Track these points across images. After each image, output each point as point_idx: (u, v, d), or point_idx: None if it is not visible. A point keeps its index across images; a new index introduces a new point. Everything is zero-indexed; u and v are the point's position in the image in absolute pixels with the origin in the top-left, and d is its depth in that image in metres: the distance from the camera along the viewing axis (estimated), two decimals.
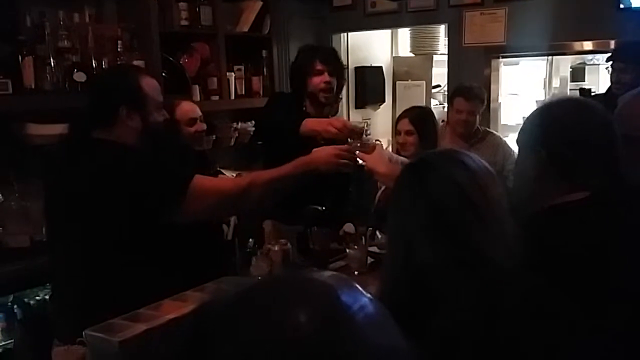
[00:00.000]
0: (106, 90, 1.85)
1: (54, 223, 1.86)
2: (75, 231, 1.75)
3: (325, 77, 2.42)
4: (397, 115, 4.91)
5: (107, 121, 1.77)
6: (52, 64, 2.57)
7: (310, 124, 2.25)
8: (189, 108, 2.40)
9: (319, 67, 2.42)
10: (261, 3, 3.57)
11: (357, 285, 0.59)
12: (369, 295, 0.58)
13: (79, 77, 2.62)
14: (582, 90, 3.58)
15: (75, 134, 1.82)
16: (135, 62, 2.84)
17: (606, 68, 3.05)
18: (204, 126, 2.51)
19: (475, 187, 1.10)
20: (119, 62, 2.80)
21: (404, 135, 2.68)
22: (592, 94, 4.01)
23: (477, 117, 3.18)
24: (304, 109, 2.49)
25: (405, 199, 1.16)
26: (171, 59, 3.12)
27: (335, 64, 2.48)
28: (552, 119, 1.34)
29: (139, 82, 1.79)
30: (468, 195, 1.09)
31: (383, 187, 2.79)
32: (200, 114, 2.46)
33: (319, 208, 2.32)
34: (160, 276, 1.80)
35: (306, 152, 1.96)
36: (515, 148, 1.49)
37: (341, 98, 3.39)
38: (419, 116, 2.72)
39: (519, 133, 1.42)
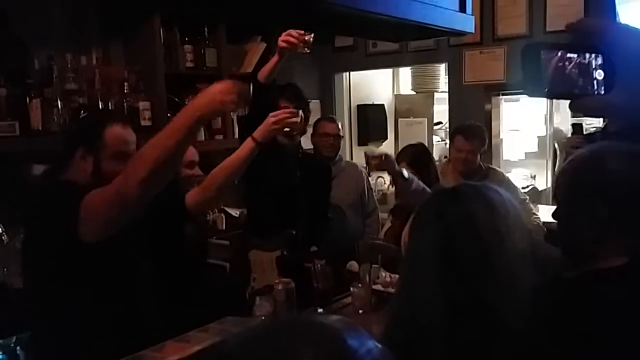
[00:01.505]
0: (70, 131, 2.04)
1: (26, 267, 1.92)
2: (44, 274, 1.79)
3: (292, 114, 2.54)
4: (398, 151, 4.98)
5: (65, 159, 1.85)
6: (60, 105, 2.61)
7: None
8: (190, 152, 2.38)
9: (283, 104, 2.54)
10: (264, 45, 3.64)
11: (363, 330, 0.59)
12: (374, 340, 0.58)
13: None
14: (574, 125, 3.57)
15: (44, 176, 1.95)
16: (141, 103, 2.90)
17: None
18: (199, 172, 2.50)
19: (493, 230, 1.01)
20: (124, 104, 2.85)
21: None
22: (592, 130, 4.02)
23: (478, 155, 3.21)
24: (276, 139, 2.59)
25: (422, 224, 1.10)
26: (177, 99, 3.17)
27: (299, 100, 2.64)
28: (613, 171, 1.15)
29: (102, 128, 1.83)
30: (482, 236, 1.01)
31: (389, 225, 2.79)
32: (197, 159, 2.45)
33: (292, 232, 2.41)
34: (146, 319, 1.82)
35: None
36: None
37: (342, 136, 3.47)
38: (414, 157, 2.75)
39: (564, 184, 1.24)
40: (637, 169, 1.15)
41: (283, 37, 2.29)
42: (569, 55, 0.57)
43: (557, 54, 0.57)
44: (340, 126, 3.49)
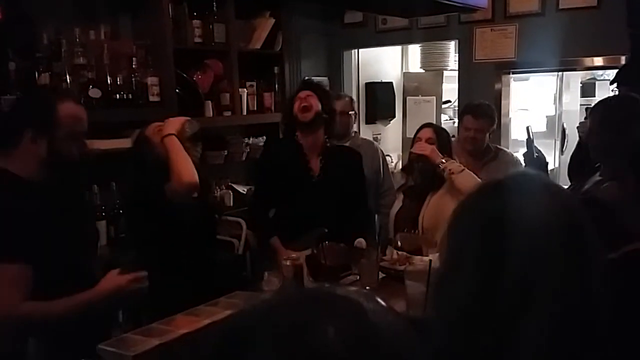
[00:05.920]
0: (14, 110, 1.76)
1: None
2: None
3: (303, 98, 2.58)
4: (407, 130, 4.96)
5: (8, 144, 1.63)
6: (68, 80, 2.60)
7: None
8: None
9: (301, 94, 2.61)
10: (273, 20, 3.61)
11: (382, 301, 0.60)
12: (393, 309, 0.59)
13: (95, 93, 2.66)
14: (587, 110, 3.50)
15: None
16: (149, 79, 2.89)
17: (612, 90, 3.03)
18: None
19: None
20: (133, 79, 2.84)
21: (424, 142, 2.63)
22: None
23: (487, 135, 3.17)
24: (296, 137, 2.64)
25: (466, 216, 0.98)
26: (185, 75, 3.16)
27: (316, 88, 2.65)
28: None
29: (54, 106, 1.64)
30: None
31: (401, 204, 2.76)
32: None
33: (324, 230, 2.36)
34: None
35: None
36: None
37: (353, 112, 3.38)
38: (439, 129, 2.76)
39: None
40: None
41: None
42: None
43: None
44: (351, 103, 3.39)
